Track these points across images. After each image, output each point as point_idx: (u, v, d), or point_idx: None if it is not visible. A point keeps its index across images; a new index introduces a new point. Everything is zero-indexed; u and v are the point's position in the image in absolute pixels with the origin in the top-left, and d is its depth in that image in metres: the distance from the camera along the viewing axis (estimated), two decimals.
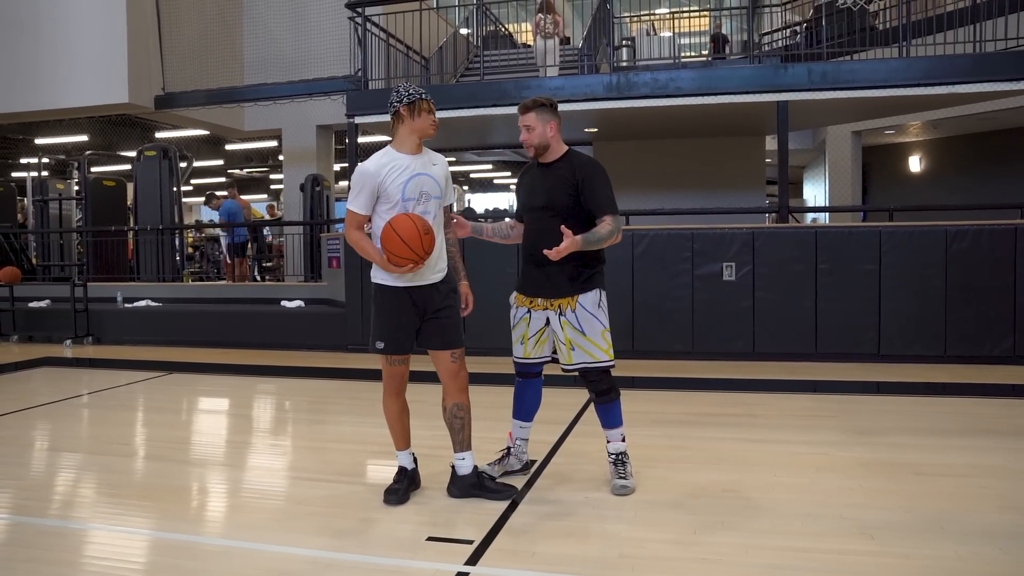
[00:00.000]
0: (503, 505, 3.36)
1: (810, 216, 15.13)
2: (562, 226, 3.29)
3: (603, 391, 3.55)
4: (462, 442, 3.46)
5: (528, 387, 3.73)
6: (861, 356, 6.80)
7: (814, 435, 4.52)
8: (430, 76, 10.59)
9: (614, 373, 3.57)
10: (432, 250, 3.22)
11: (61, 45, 10.14)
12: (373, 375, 4.86)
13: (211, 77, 10.59)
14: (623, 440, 3.62)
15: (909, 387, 5.91)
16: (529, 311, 3.58)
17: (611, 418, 3.60)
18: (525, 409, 3.77)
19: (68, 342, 8.99)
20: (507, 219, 3.94)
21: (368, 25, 8.69)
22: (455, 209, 3.49)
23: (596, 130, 9.70)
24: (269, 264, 14.54)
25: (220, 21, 11.22)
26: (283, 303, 9.21)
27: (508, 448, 3.83)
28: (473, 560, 2.79)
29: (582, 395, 5.63)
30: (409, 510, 3.34)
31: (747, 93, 7.46)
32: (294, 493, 3.75)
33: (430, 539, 3.01)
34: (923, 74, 7.30)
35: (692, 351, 7.20)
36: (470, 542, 2.95)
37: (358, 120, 8.63)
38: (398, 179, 3.25)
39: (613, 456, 3.62)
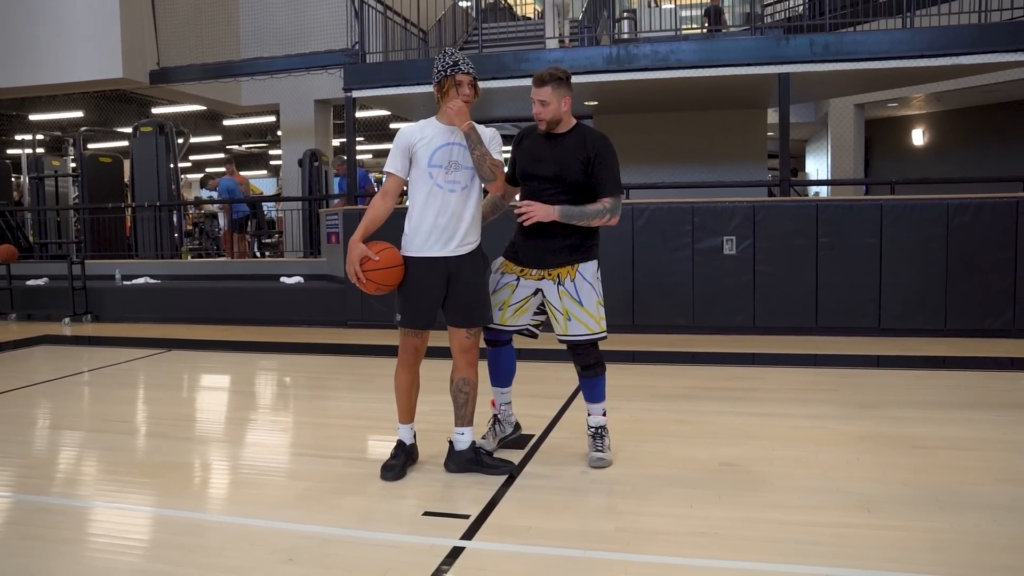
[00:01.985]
0: (501, 480, 3.36)
1: (812, 190, 15.06)
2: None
3: (590, 365, 3.55)
4: (463, 417, 3.46)
5: (500, 354, 3.69)
6: (862, 330, 6.79)
7: (813, 409, 4.52)
8: (428, 49, 10.48)
9: (612, 348, 3.57)
10: (380, 281, 3.31)
11: (53, 19, 10.03)
12: (372, 351, 4.88)
13: (207, 51, 10.46)
14: (604, 415, 3.62)
15: (909, 360, 5.90)
16: (519, 279, 3.54)
17: (596, 392, 3.60)
18: (503, 375, 3.73)
19: (67, 320, 8.99)
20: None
21: None
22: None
23: (596, 103, 9.60)
24: (270, 240, 14.50)
25: None
26: (282, 279, 9.19)
27: (495, 416, 3.81)
28: (469, 535, 2.79)
29: None
30: (407, 485, 3.35)
31: (748, 65, 7.37)
32: (293, 469, 3.76)
33: (427, 514, 3.02)
34: (926, 45, 7.21)
35: (692, 325, 7.19)
36: (466, 517, 2.96)
37: (355, 94, 8.55)
38: (429, 145, 3.30)
39: (593, 429, 3.62)
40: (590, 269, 3.50)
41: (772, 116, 11.01)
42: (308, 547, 2.75)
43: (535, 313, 3.63)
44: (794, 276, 6.93)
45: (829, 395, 4.88)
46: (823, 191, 14.37)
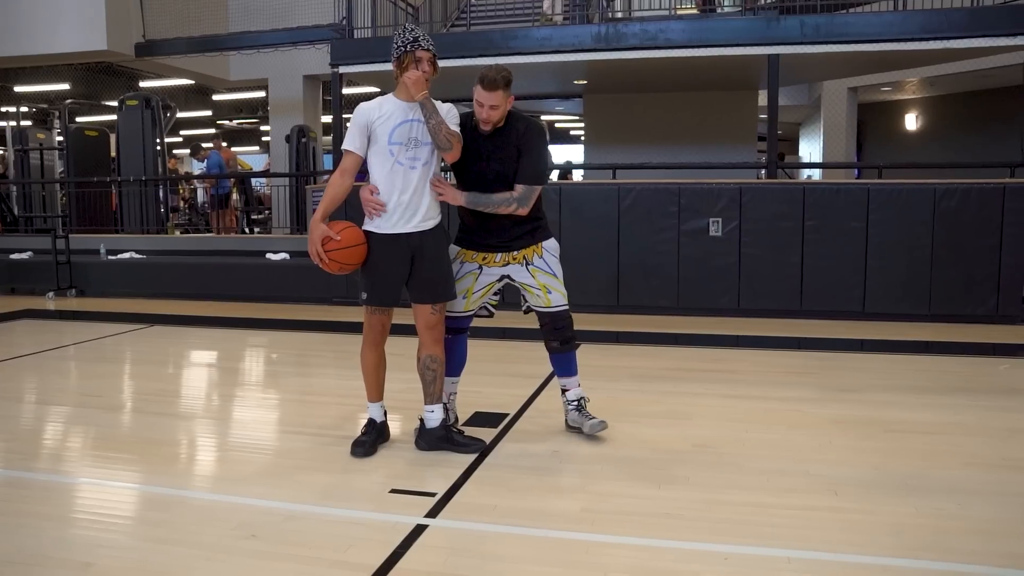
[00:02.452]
0: (471, 458, 3.34)
1: (804, 173, 15.01)
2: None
3: (569, 338, 3.63)
4: (432, 394, 3.44)
5: (457, 343, 3.68)
6: (846, 314, 6.78)
7: (791, 391, 4.51)
8: (419, 25, 10.35)
9: (595, 328, 3.62)
10: (343, 261, 3.28)
11: None
12: (357, 328, 4.85)
13: (195, 25, 10.33)
14: (580, 386, 3.71)
15: (892, 345, 5.89)
16: (481, 267, 3.56)
17: (572, 367, 3.70)
18: (455, 365, 3.71)
19: (51, 294, 8.92)
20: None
21: None
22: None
23: (586, 82, 9.52)
24: (259, 216, 14.41)
25: None
26: (268, 255, 9.12)
27: (444, 405, 3.75)
28: (433, 513, 2.78)
29: None
30: (375, 462, 3.33)
31: (738, 46, 7.28)
32: (265, 445, 3.75)
33: (393, 491, 3.00)
34: (918, 28, 7.13)
35: (677, 307, 7.17)
36: (433, 495, 2.94)
37: (343, 70, 8.45)
38: (388, 123, 3.24)
39: (575, 402, 3.70)
40: (551, 244, 3.59)
41: (763, 98, 10.95)
42: (271, 523, 2.73)
43: (494, 294, 3.67)
44: (780, 258, 6.90)
45: (809, 378, 4.87)
46: (816, 175, 14.33)
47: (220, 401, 4.68)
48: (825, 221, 6.78)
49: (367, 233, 3.32)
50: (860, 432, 3.70)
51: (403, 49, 3.24)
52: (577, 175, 12.16)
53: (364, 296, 3.35)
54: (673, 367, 5.26)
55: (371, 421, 3.50)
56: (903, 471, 3.17)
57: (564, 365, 3.68)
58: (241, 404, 4.61)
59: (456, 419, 3.83)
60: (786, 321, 6.80)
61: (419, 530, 2.65)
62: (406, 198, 3.27)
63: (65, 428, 4.04)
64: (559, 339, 3.61)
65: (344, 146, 3.31)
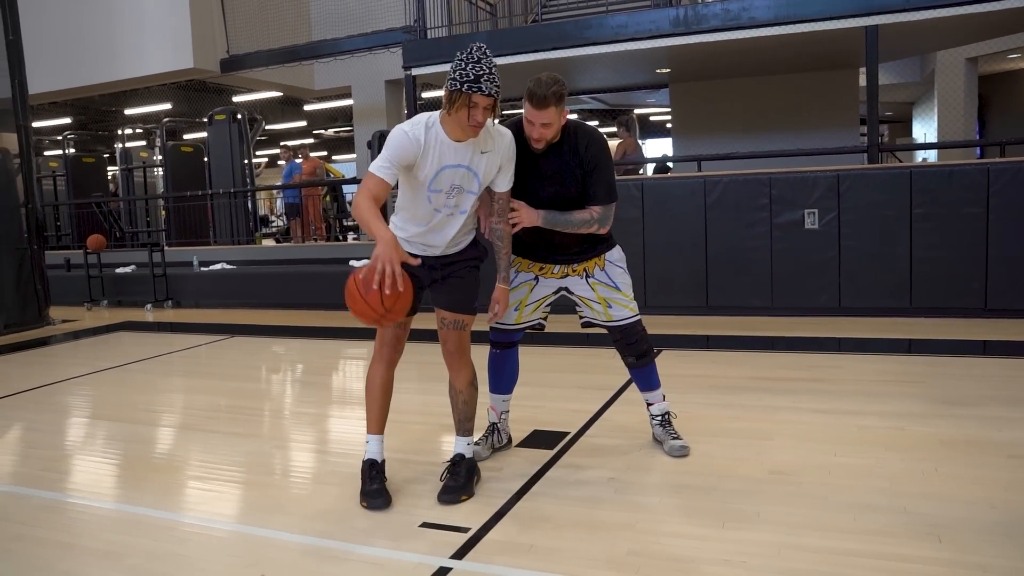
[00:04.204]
0: (517, 486, 3.02)
1: (919, 157, 13.81)
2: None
3: (644, 352, 3.34)
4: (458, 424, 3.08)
5: (508, 358, 3.39)
6: (965, 311, 6.03)
7: (892, 405, 3.94)
8: (497, 21, 10.10)
9: (683, 332, 3.36)
10: (394, 307, 2.66)
11: (128, 15, 10.25)
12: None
13: (279, 37, 10.48)
14: (664, 399, 3.42)
15: (1020, 347, 5.15)
16: (537, 278, 3.28)
17: (653, 380, 3.43)
18: (507, 382, 3.43)
19: (149, 306, 9.24)
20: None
21: None
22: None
23: (669, 70, 9.00)
24: (354, 222, 14.57)
25: None
26: (351, 263, 9.10)
27: (494, 424, 3.48)
28: (460, 554, 2.47)
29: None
30: (415, 490, 3.05)
31: (830, 19, 6.62)
32: (304, 469, 3.57)
33: (424, 525, 2.72)
34: None
35: (771, 306, 6.60)
36: (465, 530, 2.64)
37: (415, 72, 8.31)
38: (431, 165, 2.74)
39: (659, 417, 3.42)
40: (616, 254, 3.31)
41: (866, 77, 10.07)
42: (285, 560, 2.51)
43: (547, 306, 3.36)
44: (885, 251, 6.22)
45: (915, 388, 4.26)
46: (932, 158, 13.14)
47: (279, 420, 4.54)
48: (936, 208, 6.05)
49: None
50: (974, 458, 3.13)
51: (457, 85, 2.62)
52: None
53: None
54: (760, 376, 4.74)
55: (371, 463, 2.96)
56: None
57: (644, 379, 3.42)
58: (294, 422, 4.45)
59: (509, 440, 3.53)
60: (893, 320, 6.11)
61: (441, 574, 2.35)
62: (429, 238, 2.90)
63: (112, 448, 3.97)
64: (633, 354, 3.34)
65: (373, 168, 2.73)
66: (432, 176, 2.76)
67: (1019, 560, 2.28)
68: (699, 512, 2.73)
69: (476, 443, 3.30)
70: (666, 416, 3.43)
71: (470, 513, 2.80)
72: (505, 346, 3.38)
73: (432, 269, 2.97)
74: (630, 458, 3.31)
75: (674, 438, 3.37)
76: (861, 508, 2.68)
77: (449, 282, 2.99)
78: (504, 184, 2.96)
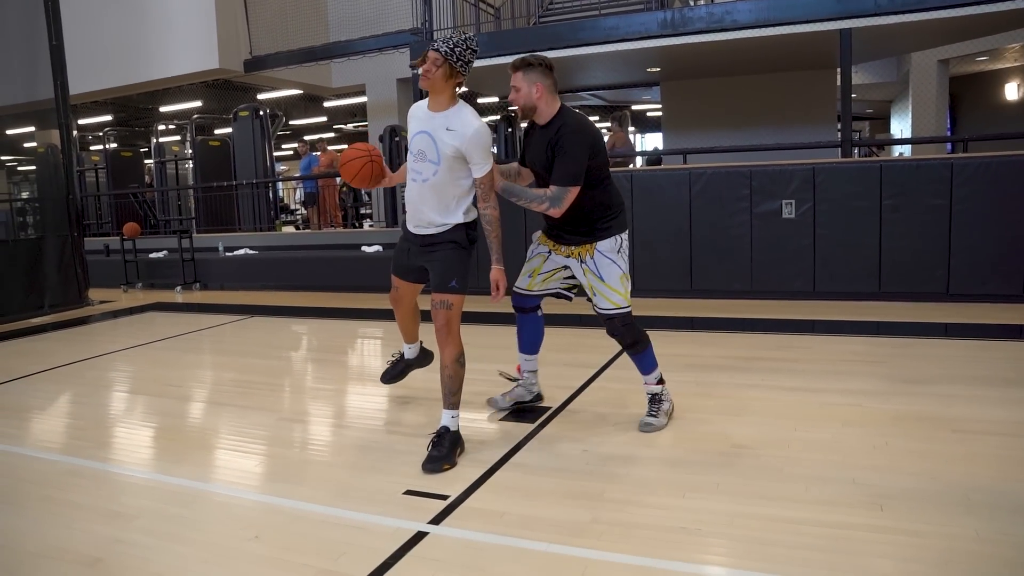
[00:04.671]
0: (497, 456, 3.03)
1: (896, 150, 13.64)
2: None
3: (630, 344, 3.32)
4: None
5: (526, 322, 3.53)
6: (929, 295, 5.96)
7: (853, 383, 3.91)
8: (501, 22, 9.99)
9: (669, 313, 3.42)
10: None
11: (160, 20, 10.21)
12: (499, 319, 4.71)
13: (299, 38, 10.42)
14: (657, 383, 3.39)
15: (979, 329, 5.09)
16: (550, 252, 3.38)
17: (644, 365, 3.37)
18: (527, 343, 3.60)
19: (178, 288, 9.27)
20: (515, 163, 3.53)
21: None
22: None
23: (659, 69, 8.89)
24: (368, 211, 14.55)
25: None
26: (363, 248, 9.10)
27: (516, 380, 3.68)
28: (437, 520, 2.48)
29: None
30: (403, 459, 3.06)
31: (807, 23, 6.51)
32: (302, 439, 3.55)
33: (408, 492, 2.72)
34: None
35: (751, 290, 6.55)
36: (444, 498, 2.65)
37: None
38: (412, 130, 3.08)
39: (649, 396, 3.41)
40: (606, 245, 3.26)
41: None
42: (278, 523, 2.52)
43: (566, 279, 3.42)
44: (856, 240, 6.15)
45: (876, 368, 4.23)
46: (907, 153, 12.96)
47: (289, 393, 4.54)
48: (904, 199, 5.97)
49: None
50: (923, 432, 3.11)
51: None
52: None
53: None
54: (735, 355, 4.72)
55: (401, 355, 3.67)
56: (966, 483, 2.59)
57: (636, 364, 3.40)
58: (300, 396, 4.46)
59: (538, 397, 3.71)
60: (864, 304, 6.06)
61: (418, 538, 2.36)
62: (411, 207, 3.11)
63: (139, 419, 4.00)
64: (620, 344, 3.35)
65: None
66: (411, 140, 3.06)
67: (952, 527, 2.26)
68: (663, 483, 2.72)
69: (502, 394, 3.62)
70: (654, 396, 3.39)
71: (451, 481, 2.81)
72: (522, 311, 3.50)
73: (422, 249, 3.13)
74: (603, 432, 3.30)
75: (648, 414, 3.35)
76: (812, 479, 2.67)
77: (431, 264, 3.09)
78: (477, 171, 3.01)
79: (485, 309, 3.55)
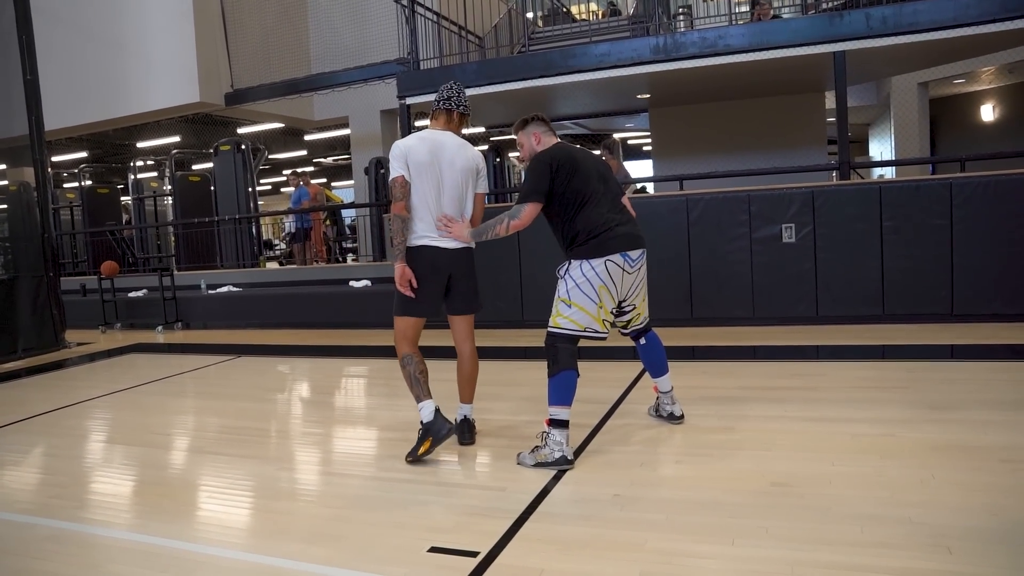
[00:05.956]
0: (522, 506, 2.83)
1: (875, 173, 13.79)
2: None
3: (549, 364, 3.28)
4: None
5: (639, 351, 3.77)
6: (933, 317, 5.91)
7: (878, 411, 3.78)
8: (485, 52, 9.96)
9: (672, 343, 3.59)
10: None
11: (138, 53, 10.03)
12: (438, 353, 4.47)
13: (280, 71, 10.30)
14: (550, 424, 3.24)
15: (987, 350, 5.02)
16: None
17: (550, 393, 3.26)
18: (648, 367, 3.77)
19: (159, 328, 8.98)
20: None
21: (417, 8, 8.14)
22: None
23: (649, 96, 8.88)
24: (352, 245, 14.34)
25: (284, 17, 10.89)
26: (351, 283, 8.90)
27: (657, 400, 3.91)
28: None
29: (633, 368, 5.06)
30: (419, 512, 2.86)
31: (800, 45, 6.52)
32: (309, 491, 3.31)
33: (433, 549, 2.51)
34: (998, 8, 6.19)
35: (753, 317, 6.46)
36: (475, 555, 2.44)
37: (409, 101, 8.14)
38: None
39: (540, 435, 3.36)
40: (567, 266, 3.39)
41: (831, 100, 10.00)
42: None
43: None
44: (858, 262, 6.10)
45: (896, 394, 4.10)
46: (888, 175, 13.11)
47: (281, 439, 4.29)
48: (904, 220, 5.94)
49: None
50: (967, 463, 2.97)
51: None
52: (648, 189, 11.48)
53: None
54: (747, 385, 4.57)
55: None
56: None
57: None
58: (298, 442, 4.20)
59: (674, 414, 3.79)
60: (868, 327, 5.98)
61: None
62: None
63: (123, 473, 3.72)
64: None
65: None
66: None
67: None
68: (707, 528, 2.55)
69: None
70: (542, 434, 3.27)
71: (476, 536, 2.60)
72: (636, 342, 3.77)
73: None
74: (632, 473, 3.13)
75: (530, 451, 3.30)
76: (866, 519, 2.51)
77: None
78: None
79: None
